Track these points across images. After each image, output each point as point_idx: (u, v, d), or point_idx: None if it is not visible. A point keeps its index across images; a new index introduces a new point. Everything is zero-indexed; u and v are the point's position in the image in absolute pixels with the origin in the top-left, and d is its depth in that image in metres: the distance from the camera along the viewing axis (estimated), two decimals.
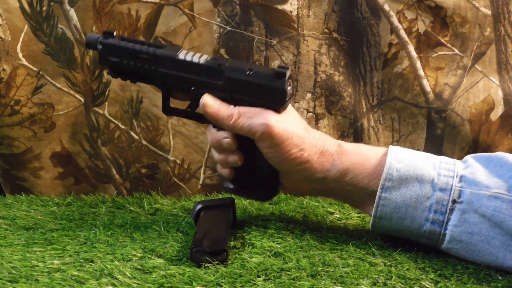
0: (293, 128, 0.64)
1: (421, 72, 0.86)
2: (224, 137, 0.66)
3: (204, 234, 0.63)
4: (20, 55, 0.84)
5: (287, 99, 0.64)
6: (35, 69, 0.84)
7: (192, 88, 0.67)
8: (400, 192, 0.61)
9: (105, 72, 0.84)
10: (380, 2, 0.84)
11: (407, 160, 0.62)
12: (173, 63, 0.67)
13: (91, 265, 0.60)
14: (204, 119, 0.68)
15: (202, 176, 0.89)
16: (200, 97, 0.66)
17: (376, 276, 0.57)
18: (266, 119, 0.63)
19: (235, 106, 0.65)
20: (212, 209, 0.71)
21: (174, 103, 0.70)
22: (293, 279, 0.56)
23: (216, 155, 0.69)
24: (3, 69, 0.84)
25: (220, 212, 0.70)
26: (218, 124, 0.66)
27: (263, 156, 0.65)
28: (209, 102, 0.65)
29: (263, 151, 0.65)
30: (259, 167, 0.67)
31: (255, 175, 0.68)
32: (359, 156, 0.64)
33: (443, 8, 0.84)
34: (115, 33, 0.69)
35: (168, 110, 0.70)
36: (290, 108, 0.67)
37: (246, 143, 0.66)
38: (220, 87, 0.65)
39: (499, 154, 0.62)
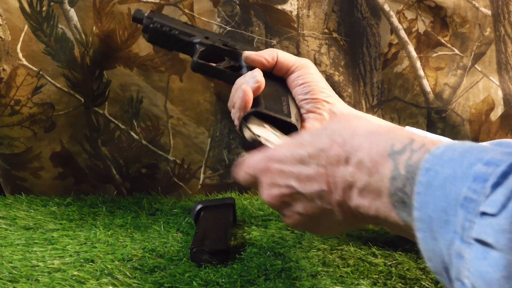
0: None
1: (421, 72, 0.86)
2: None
3: (204, 234, 0.63)
4: (20, 55, 0.84)
5: None
6: (35, 69, 0.84)
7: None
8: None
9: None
10: (380, 2, 0.84)
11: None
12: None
13: (91, 265, 0.60)
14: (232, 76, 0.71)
15: (202, 176, 0.89)
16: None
17: (376, 276, 0.57)
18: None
19: None
20: (212, 209, 0.71)
21: None
22: (293, 279, 0.56)
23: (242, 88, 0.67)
24: (3, 69, 0.84)
25: (220, 212, 0.70)
26: (261, 65, 0.69)
27: (290, 94, 0.68)
28: (251, 51, 0.71)
29: (297, 80, 0.68)
30: (282, 100, 0.68)
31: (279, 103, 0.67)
32: None
33: (443, 8, 0.84)
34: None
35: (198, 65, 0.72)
36: None
37: (275, 80, 0.68)
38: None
39: (508, 139, 0.62)
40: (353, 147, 0.42)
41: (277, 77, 0.70)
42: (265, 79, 0.66)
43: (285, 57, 0.70)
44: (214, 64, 0.72)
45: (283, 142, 0.51)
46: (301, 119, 0.66)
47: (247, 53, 0.70)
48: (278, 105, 0.66)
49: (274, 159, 0.48)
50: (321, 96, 0.67)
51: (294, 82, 0.68)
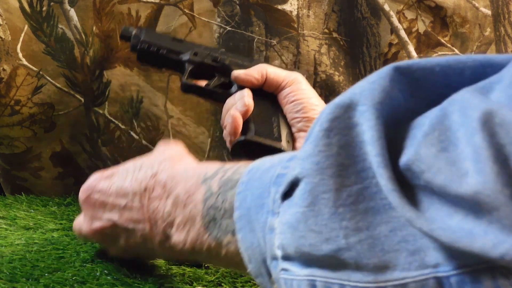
0: None
1: None
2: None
3: None
4: (20, 55, 0.84)
5: None
6: (35, 69, 0.84)
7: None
8: None
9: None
10: (380, 2, 0.84)
11: None
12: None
13: (91, 265, 0.60)
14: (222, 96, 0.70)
15: None
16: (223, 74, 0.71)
17: None
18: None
19: None
20: None
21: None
22: None
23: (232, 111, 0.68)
24: (3, 69, 0.84)
25: None
26: (250, 84, 0.67)
27: (281, 112, 0.67)
28: (240, 71, 0.69)
29: (288, 97, 0.66)
30: (272, 121, 0.67)
31: (269, 126, 0.67)
32: None
33: (443, 8, 0.84)
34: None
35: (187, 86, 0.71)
36: None
37: (265, 98, 0.67)
38: None
39: None
40: (172, 186, 0.43)
41: (267, 93, 0.68)
42: (255, 97, 0.66)
43: (275, 72, 0.68)
44: (203, 85, 0.71)
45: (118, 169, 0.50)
46: (293, 139, 0.66)
47: (236, 73, 0.69)
48: (268, 128, 0.65)
49: (98, 189, 0.48)
50: (312, 114, 0.66)
51: (285, 99, 0.67)
